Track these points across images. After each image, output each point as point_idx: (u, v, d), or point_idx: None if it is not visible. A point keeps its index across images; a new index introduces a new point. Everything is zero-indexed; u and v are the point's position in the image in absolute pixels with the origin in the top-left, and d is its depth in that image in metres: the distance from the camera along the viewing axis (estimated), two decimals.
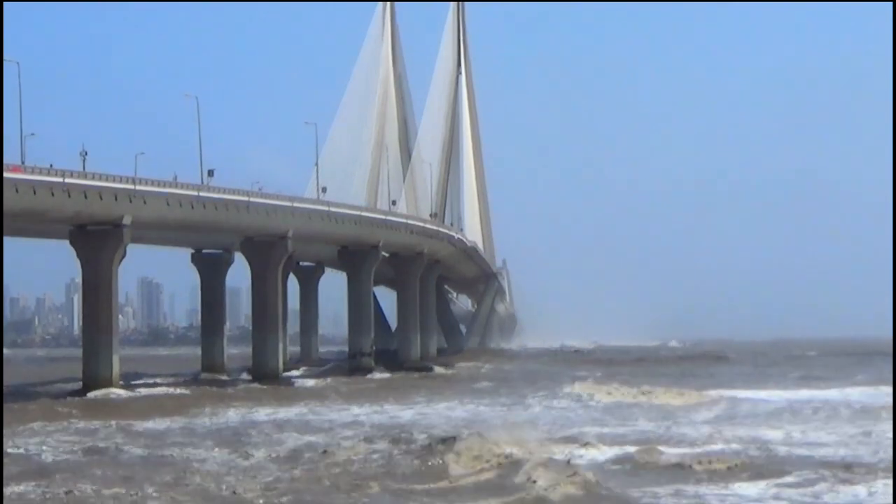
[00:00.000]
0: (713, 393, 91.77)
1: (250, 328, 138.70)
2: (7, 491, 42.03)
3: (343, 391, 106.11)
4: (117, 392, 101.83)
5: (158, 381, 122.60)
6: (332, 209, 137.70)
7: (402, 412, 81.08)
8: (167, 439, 63.49)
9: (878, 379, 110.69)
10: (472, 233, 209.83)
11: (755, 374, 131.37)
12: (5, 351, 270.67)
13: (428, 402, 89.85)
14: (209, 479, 45.76)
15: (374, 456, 51.65)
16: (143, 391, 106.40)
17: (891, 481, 42.26)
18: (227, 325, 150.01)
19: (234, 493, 42.42)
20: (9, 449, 56.87)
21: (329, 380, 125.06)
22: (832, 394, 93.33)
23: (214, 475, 47.09)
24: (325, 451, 53.62)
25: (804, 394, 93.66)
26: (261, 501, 40.88)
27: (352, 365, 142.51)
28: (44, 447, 59.05)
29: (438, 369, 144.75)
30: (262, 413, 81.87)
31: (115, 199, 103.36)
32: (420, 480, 45.12)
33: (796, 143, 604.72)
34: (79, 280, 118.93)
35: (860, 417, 70.52)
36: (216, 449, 56.91)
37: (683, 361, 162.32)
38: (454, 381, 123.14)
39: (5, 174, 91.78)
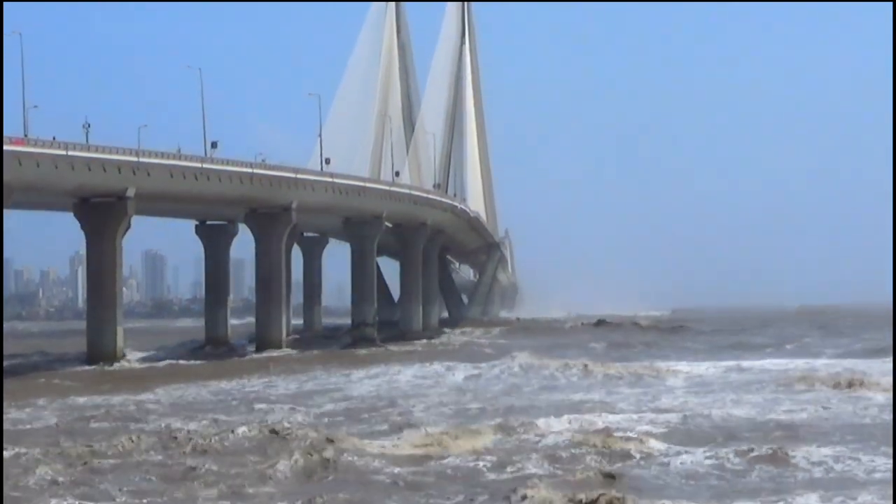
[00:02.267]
0: (637, 364, 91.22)
1: (254, 300, 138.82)
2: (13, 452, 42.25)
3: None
4: (122, 364, 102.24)
5: (162, 353, 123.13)
6: (336, 180, 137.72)
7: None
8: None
9: (846, 352, 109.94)
10: (475, 203, 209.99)
11: (700, 345, 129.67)
12: (9, 324, 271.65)
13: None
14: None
15: None
16: (149, 364, 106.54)
17: None
18: (231, 296, 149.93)
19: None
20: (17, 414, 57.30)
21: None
22: (753, 364, 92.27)
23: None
24: None
25: (726, 364, 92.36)
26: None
27: (355, 335, 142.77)
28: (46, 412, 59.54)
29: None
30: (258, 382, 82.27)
31: (119, 171, 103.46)
32: None
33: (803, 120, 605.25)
34: (83, 253, 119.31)
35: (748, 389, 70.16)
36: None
37: (647, 331, 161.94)
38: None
39: (8, 147, 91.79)
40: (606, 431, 47.92)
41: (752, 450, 42.62)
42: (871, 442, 45.44)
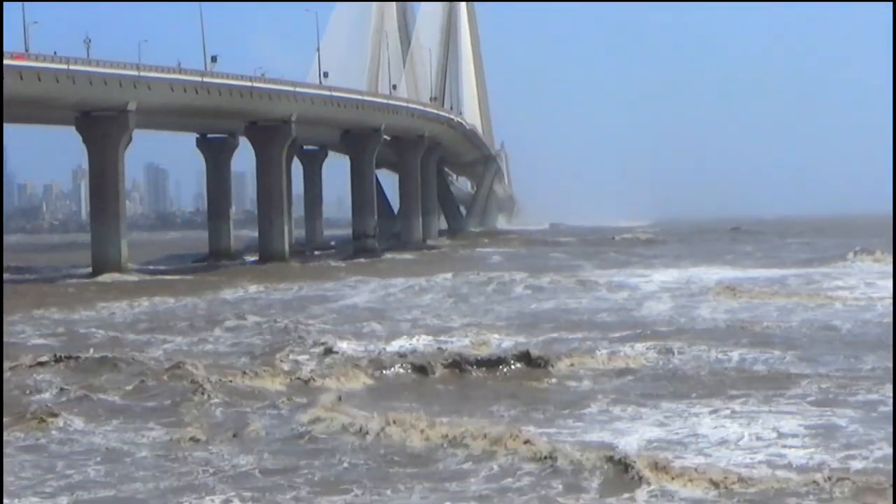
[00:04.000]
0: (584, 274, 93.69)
1: (256, 212, 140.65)
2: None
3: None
4: (126, 276, 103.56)
5: (167, 265, 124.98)
6: (335, 93, 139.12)
7: None
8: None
9: (794, 261, 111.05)
10: (472, 116, 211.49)
11: (663, 256, 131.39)
12: (14, 237, 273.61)
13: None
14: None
15: None
16: (153, 276, 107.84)
17: None
18: (233, 209, 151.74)
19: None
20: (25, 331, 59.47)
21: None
22: (690, 273, 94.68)
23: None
24: None
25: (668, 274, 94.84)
26: None
27: (356, 247, 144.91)
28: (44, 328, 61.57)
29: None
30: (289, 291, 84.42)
31: (120, 85, 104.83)
32: None
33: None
34: (86, 166, 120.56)
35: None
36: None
37: (616, 244, 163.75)
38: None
39: (9, 62, 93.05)
40: None
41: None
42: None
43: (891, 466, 25.25)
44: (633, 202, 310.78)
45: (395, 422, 30.04)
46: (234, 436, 30.28)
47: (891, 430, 29.04)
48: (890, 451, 26.99)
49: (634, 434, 30.05)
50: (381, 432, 29.51)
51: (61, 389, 37.17)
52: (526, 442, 27.45)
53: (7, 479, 25.86)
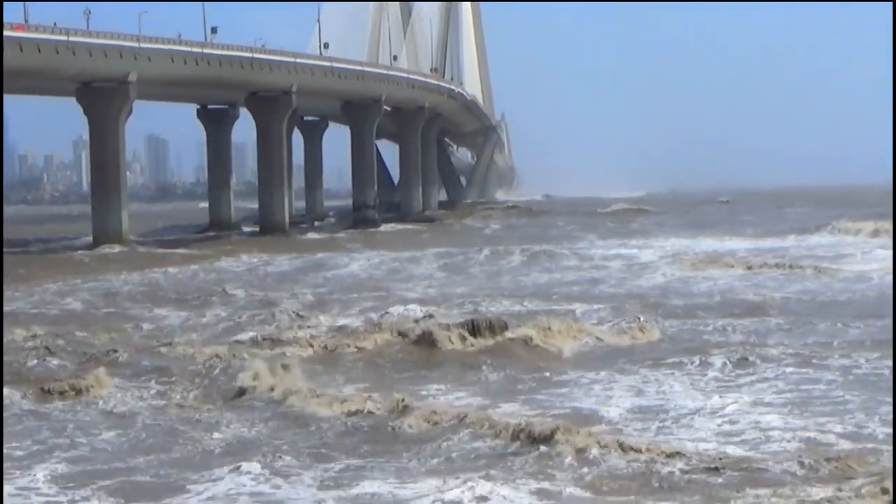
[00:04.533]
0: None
1: (256, 183, 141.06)
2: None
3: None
4: (126, 247, 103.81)
5: (168, 236, 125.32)
6: (335, 64, 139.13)
7: None
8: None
9: (763, 232, 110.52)
10: (472, 87, 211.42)
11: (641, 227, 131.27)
12: (15, 208, 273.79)
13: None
14: None
15: None
16: (154, 247, 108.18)
17: None
18: (234, 180, 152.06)
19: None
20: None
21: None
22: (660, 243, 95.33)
23: None
24: None
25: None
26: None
27: (356, 217, 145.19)
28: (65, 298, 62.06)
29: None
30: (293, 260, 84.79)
31: (120, 56, 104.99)
32: None
33: None
34: (86, 137, 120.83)
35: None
36: None
37: (606, 216, 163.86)
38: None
39: (9, 33, 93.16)
40: None
41: None
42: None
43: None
44: (625, 174, 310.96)
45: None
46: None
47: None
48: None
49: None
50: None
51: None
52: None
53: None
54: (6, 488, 22.66)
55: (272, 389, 31.99)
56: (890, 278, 57.61)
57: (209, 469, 24.17)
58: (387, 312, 47.83)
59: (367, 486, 22.61)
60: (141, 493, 22.79)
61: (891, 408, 27.50)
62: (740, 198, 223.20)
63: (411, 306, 49.45)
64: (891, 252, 71.16)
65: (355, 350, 39.59)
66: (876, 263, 68.94)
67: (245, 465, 24.07)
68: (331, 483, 23.04)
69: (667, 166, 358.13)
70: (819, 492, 21.10)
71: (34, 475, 23.95)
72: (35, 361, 37.57)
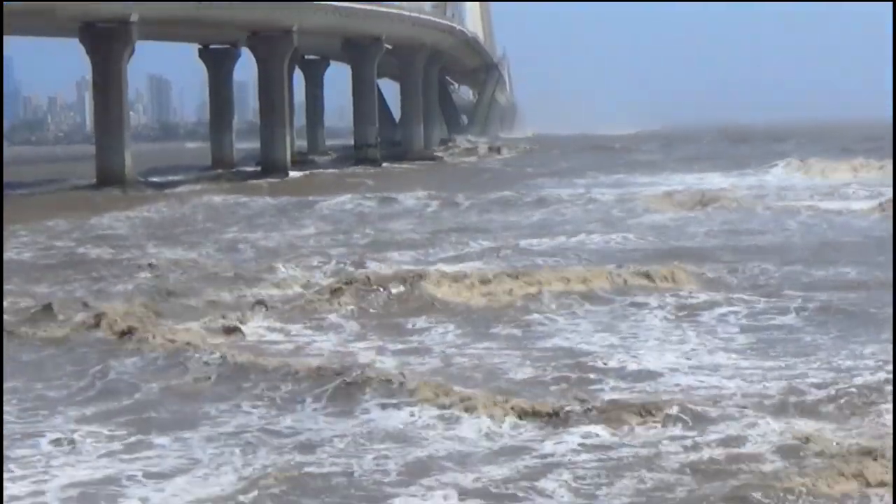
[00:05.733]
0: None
1: (258, 122, 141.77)
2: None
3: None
4: (129, 186, 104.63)
5: (171, 176, 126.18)
6: (336, 3, 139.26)
7: None
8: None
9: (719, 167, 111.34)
10: (473, 24, 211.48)
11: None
12: (19, 149, 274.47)
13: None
14: None
15: None
16: (155, 189, 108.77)
17: None
18: (236, 119, 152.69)
19: None
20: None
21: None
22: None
23: None
24: None
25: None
26: None
27: (357, 156, 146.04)
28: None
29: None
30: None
31: None
32: None
33: None
34: (89, 78, 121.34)
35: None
36: None
37: (580, 151, 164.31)
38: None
39: None
40: None
41: None
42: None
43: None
44: (624, 111, 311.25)
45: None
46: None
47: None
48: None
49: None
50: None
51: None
52: None
53: None
54: None
55: None
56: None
57: None
58: None
59: None
60: None
61: None
62: (741, 133, 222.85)
63: None
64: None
65: None
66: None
67: None
68: None
69: (658, 102, 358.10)
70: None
71: None
72: None
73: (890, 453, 17.32)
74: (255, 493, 17.44)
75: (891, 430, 19.14)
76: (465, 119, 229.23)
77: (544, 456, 19.05)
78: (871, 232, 51.59)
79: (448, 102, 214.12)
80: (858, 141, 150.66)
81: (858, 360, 25.05)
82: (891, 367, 23.50)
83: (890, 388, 21.80)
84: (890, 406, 20.60)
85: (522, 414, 21.08)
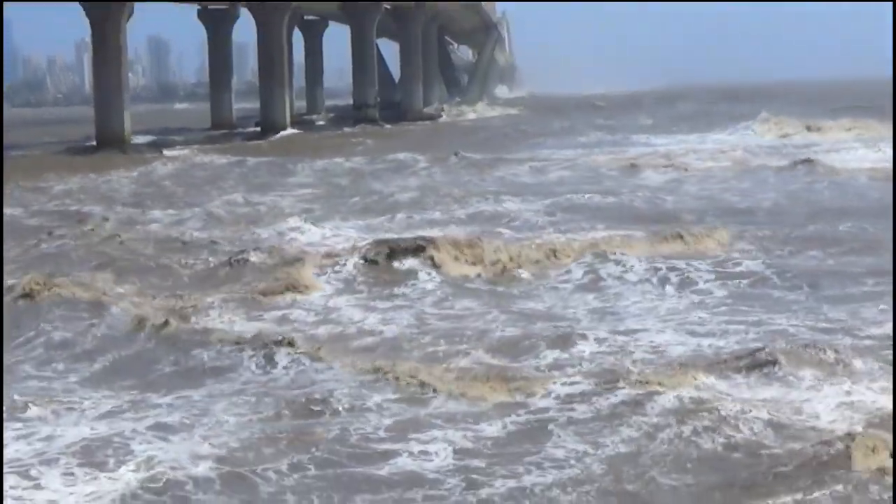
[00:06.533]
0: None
1: (257, 83, 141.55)
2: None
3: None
4: (128, 148, 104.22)
5: (169, 136, 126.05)
6: None
7: None
8: None
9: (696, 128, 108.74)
10: None
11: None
12: (18, 110, 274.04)
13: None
14: None
15: None
16: (154, 151, 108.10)
17: None
18: (235, 79, 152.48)
19: None
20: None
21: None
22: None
23: None
24: None
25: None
26: None
27: (356, 117, 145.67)
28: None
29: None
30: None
31: None
32: None
33: None
34: (89, 39, 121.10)
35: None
36: None
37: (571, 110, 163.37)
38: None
39: None
40: None
41: None
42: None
43: None
44: (620, 69, 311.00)
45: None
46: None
47: None
48: None
49: None
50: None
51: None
52: None
53: None
54: None
55: None
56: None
57: None
58: None
59: None
60: None
61: None
62: (746, 93, 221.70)
63: None
64: None
65: None
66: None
67: None
68: None
69: (656, 62, 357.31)
70: None
71: None
72: None
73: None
74: None
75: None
76: (465, 79, 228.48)
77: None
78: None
79: (447, 63, 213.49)
80: (852, 100, 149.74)
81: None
82: None
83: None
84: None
85: None
